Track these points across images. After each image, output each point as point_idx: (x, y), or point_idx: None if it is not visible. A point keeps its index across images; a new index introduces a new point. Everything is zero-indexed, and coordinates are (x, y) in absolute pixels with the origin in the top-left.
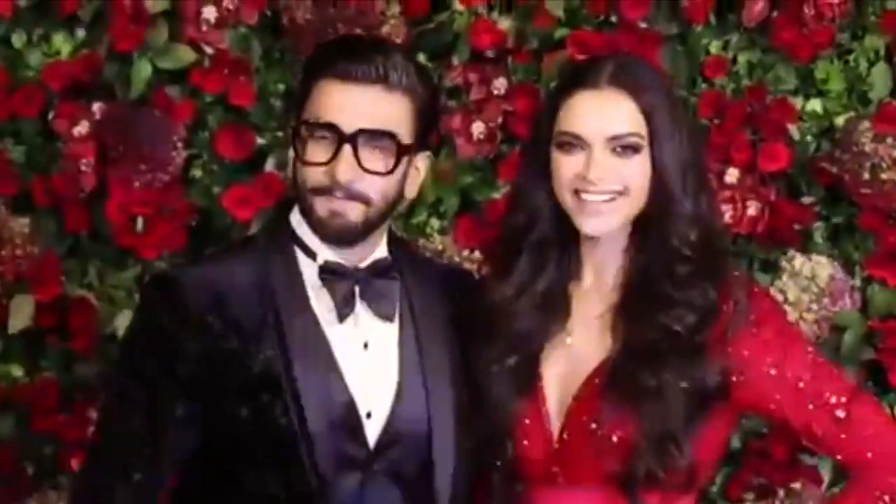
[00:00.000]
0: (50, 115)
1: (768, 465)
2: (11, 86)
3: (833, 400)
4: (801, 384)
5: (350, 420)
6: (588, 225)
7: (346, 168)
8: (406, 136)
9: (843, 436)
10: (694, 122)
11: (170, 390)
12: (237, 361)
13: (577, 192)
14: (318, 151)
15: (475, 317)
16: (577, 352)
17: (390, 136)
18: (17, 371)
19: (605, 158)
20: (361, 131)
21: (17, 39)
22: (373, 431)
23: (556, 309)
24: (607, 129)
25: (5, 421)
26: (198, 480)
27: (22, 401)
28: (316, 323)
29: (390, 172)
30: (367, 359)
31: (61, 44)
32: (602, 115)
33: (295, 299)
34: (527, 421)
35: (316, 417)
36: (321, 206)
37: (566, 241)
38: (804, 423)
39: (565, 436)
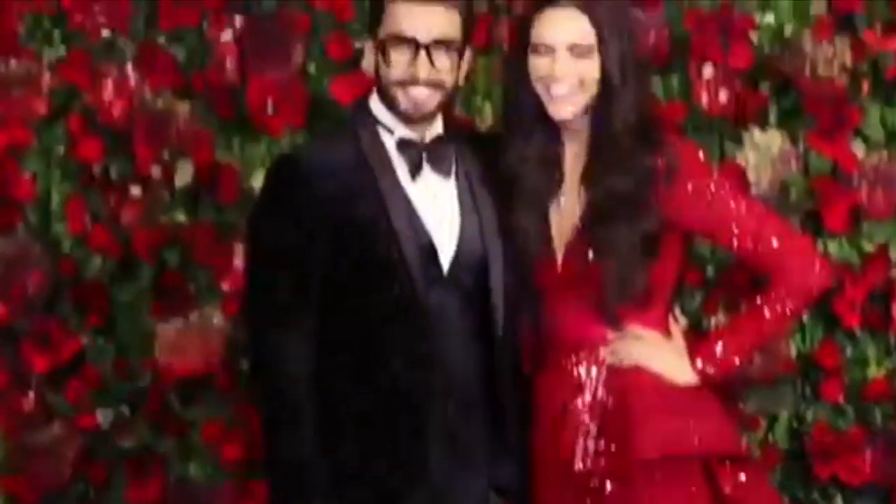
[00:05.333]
0: (204, 25)
1: (735, 288)
2: (176, 3)
3: (750, 222)
4: (724, 212)
5: (430, 253)
6: (555, 112)
7: (423, 68)
8: (461, 41)
9: (759, 249)
10: (632, 30)
11: (302, 241)
12: (348, 212)
13: (545, 85)
14: (400, 57)
15: (503, 175)
16: (567, 207)
17: (453, 41)
18: (181, 216)
19: (566, 60)
20: (434, 41)
21: None
22: (445, 259)
23: (551, 173)
24: (568, 39)
25: (173, 254)
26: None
27: (185, 239)
28: (398, 181)
29: (455, 69)
30: (437, 207)
31: None
32: (563, 26)
33: (383, 164)
34: (542, 257)
35: (409, 250)
36: (404, 97)
37: (548, 120)
38: (730, 242)
39: (564, 267)
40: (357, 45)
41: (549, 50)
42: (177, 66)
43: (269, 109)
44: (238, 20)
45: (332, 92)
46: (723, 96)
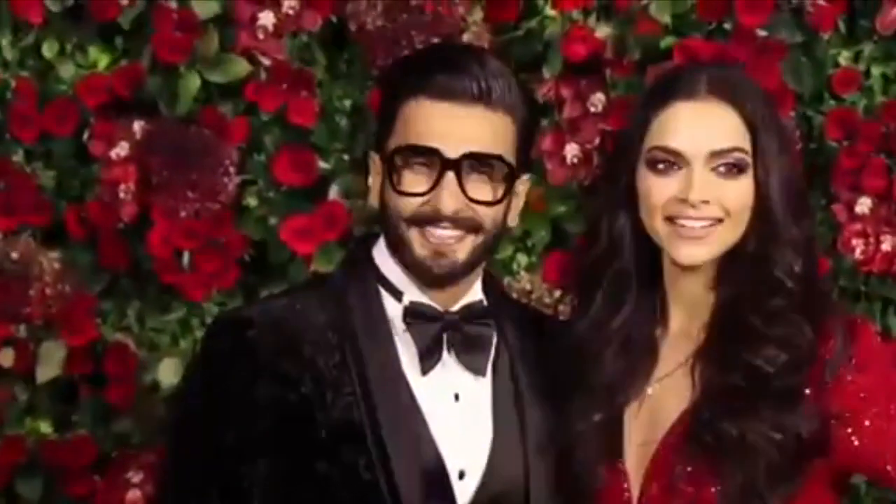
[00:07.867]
0: (85, 136)
1: None
2: (42, 102)
3: None
4: None
5: (438, 479)
6: (684, 253)
7: (450, 198)
8: (512, 159)
9: None
10: (793, 136)
11: (242, 451)
12: (314, 410)
13: (670, 219)
14: (415, 180)
15: (558, 364)
16: (658, 404)
17: (498, 159)
18: (46, 427)
19: (707, 178)
20: (466, 156)
21: (49, 49)
22: (464, 493)
23: (640, 357)
24: (709, 144)
25: (32, 484)
26: None
27: (51, 461)
28: (400, 370)
29: (499, 201)
30: (459, 412)
31: (98, 54)
32: (703, 127)
33: (378, 343)
34: (607, 485)
35: (403, 474)
36: (420, 241)
37: (648, 276)
38: None
39: (644, 500)
40: (323, 164)
41: (680, 162)
42: (41, 197)
43: (185, 262)
44: (137, 127)
45: (283, 237)
46: (886, 245)
